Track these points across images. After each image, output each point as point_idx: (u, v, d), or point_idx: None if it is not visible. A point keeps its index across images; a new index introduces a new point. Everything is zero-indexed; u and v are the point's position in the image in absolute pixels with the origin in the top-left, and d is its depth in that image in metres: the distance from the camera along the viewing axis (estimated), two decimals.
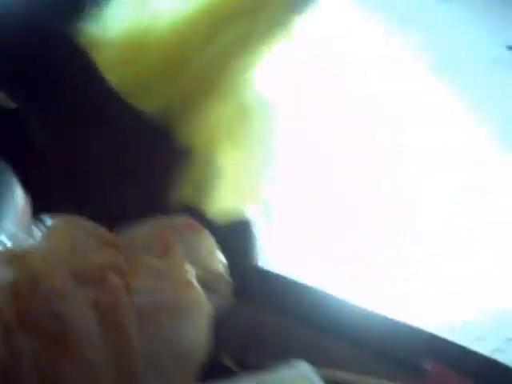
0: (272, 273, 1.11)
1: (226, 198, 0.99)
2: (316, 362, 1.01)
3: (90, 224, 0.82)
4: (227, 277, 0.90)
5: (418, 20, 3.80)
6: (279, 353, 1.03)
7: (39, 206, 1.08)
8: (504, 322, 1.63)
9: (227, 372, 1.03)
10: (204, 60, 1.02)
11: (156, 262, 0.80)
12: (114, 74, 1.04)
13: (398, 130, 2.18)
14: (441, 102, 2.42)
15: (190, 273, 0.81)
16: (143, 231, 0.87)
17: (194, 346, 0.81)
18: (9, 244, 0.85)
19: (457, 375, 1.00)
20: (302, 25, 1.04)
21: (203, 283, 0.84)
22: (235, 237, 1.07)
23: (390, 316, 1.09)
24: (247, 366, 1.05)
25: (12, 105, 1.13)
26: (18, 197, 1.08)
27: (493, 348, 1.53)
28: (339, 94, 2.20)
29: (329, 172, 1.94)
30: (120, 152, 1.09)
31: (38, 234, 0.86)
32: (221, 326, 1.02)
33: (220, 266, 0.89)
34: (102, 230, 0.82)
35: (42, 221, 0.89)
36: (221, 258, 0.90)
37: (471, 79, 2.81)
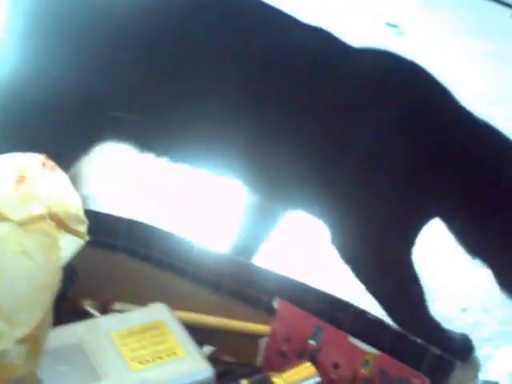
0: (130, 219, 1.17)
1: None
2: (173, 305, 1.08)
3: None
4: (83, 217, 0.95)
5: None
6: (140, 298, 1.09)
7: None
8: None
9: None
10: None
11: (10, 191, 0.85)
12: None
13: None
14: None
15: (45, 206, 0.86)
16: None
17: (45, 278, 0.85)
18: None
19: (302, 311, 1.10)
20: None
21: (58, 221, 0.89)
22: None
23: (244, 260, 1.17)
24: (110, 312, 1.11)
25: None
26: None
27: None
28: None
29: None
30: None
31: None
32: (83, 272, 1.08)
33: (76, 206, 0.94)
34: None
35: None
36: (77, 198, 0.95)
37: None
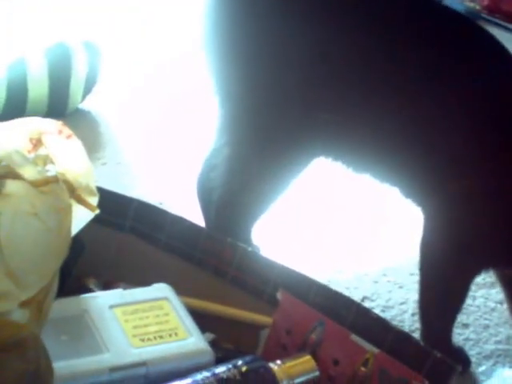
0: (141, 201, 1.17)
1: None
2: (177, 289, 1.08)
3: None
4: (94, 189, 0.95)
5: None
6: (144, 280, 1.09)
7: None
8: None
9: None
10: None
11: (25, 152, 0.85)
12: None
13: None
14: None
15: (58, 172, 0.86)
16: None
17: (55, 242, 0.85)
18: None
19: (305, 305, 1.10)
20: None
21: (70, 189, 0.89)
22: None
23: (248, 248, 1.16)
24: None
25: None
26: None
27: None
28: None
29: None
30: None
31: None
32: (88, 250, 1.08)
33: (89, 177, 0.94)
34: None
35: None
36: (90, 169, 0.95)
37: None
